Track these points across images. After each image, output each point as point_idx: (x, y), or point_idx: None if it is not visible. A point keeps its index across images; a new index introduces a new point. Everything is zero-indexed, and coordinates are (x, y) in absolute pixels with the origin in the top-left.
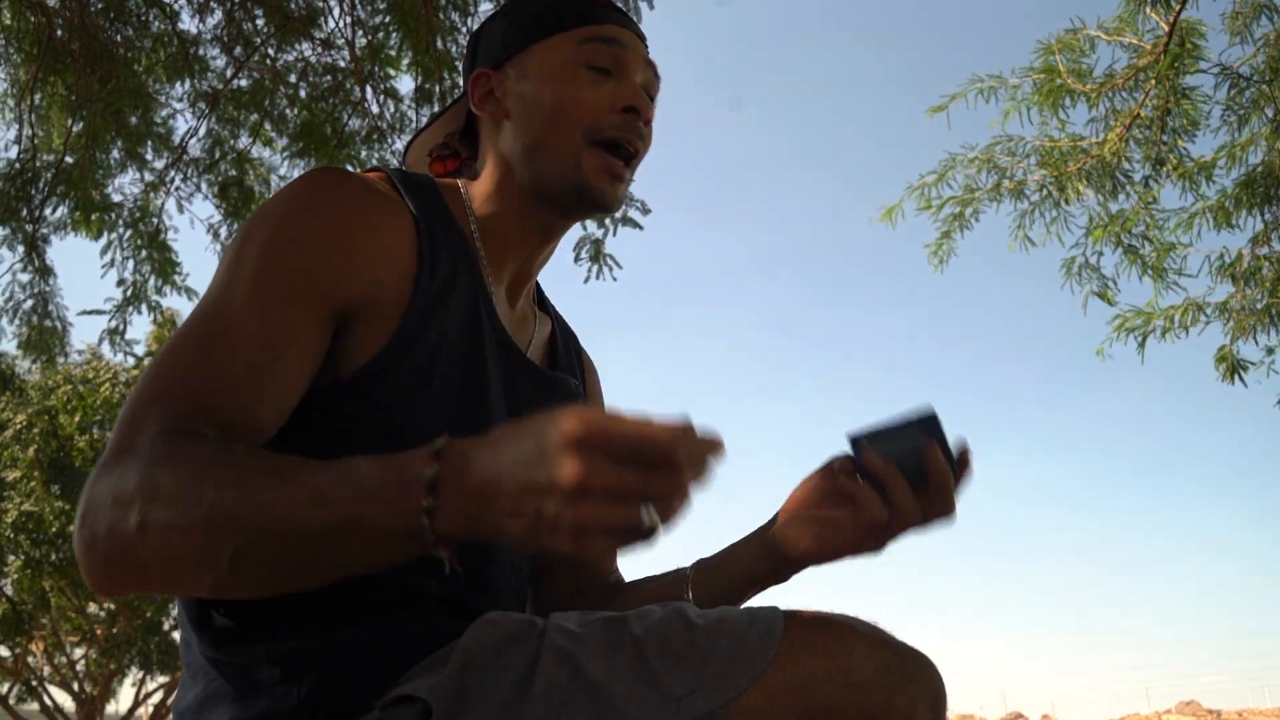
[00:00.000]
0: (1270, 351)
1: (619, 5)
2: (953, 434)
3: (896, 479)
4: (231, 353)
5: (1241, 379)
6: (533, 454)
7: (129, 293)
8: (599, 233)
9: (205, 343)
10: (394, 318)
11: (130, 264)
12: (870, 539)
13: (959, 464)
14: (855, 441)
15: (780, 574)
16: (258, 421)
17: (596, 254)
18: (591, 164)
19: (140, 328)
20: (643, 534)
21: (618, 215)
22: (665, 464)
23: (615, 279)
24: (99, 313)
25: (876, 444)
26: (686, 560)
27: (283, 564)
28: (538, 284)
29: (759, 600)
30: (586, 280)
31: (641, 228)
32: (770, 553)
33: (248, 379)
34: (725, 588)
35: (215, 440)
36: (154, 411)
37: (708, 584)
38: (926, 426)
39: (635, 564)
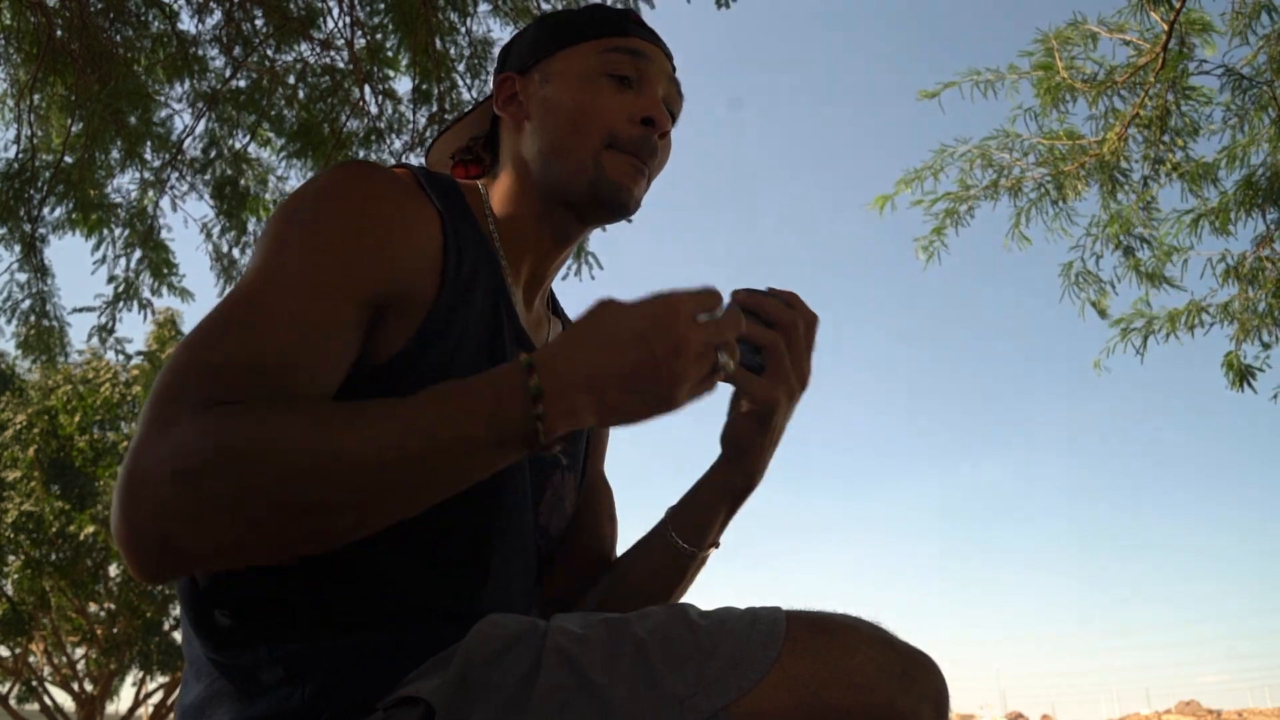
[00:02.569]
0: (1266, 347)
1: (643, 21)
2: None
3: (765, 300)
4: (273, 336)
5: (1251, 385)
6: (648, 332)
7: (119, 289)
8: None
9: (246, 324)
10: (421, 311)
11: (124, 262)
12: (777, 364)
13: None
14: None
15: (738, 466)
16: None
17: (578, 251)
18: (614, 163)
19: (134, 326)
20: (727, 372)
21: None
22: (721, 308)
23: (594, 278)
24: (89, 309)
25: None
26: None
27: (380, 498)
28: (550, 288)
29: (762, 601)
30: (565, 277)
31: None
32: (724, 453)
33: (288, 363)
34: (699, 511)
35: (274, 399)
36: (195, 386)
37: (683, 517)
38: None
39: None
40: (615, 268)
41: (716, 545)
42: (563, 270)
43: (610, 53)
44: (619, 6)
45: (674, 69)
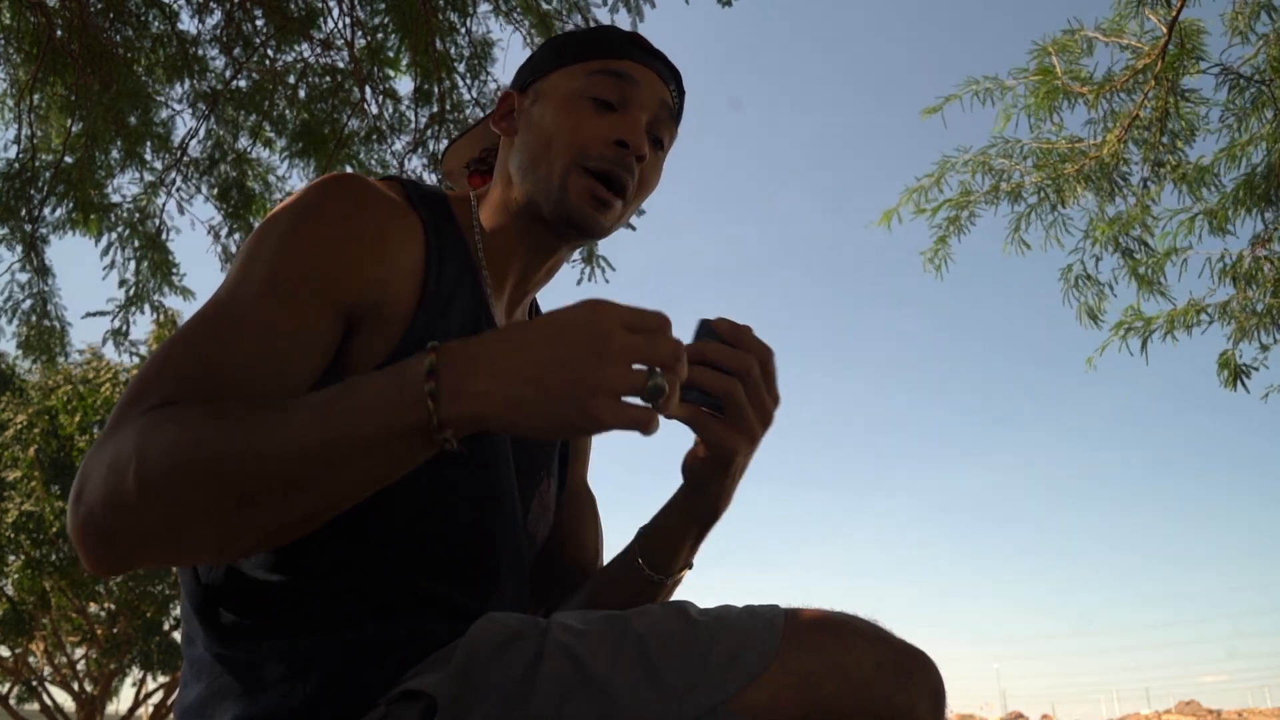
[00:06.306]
0: (1264, 348)
1: (647, 44)
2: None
3: (710, 346)
4: (235, 342)
5: (1244, 385)
6: (564, 328)
7: (131, 292)
8: None
9: (210, 332)
10: (400, 325)
11: (131, 265)
12: (736, 411)
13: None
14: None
15: (701, 498)
16: None
17: (590, 255)
18: (577, 186)
19: (142, 328)
20: (655, 393)
21: None
22: (665, 331)
23: (608, 281)
24: (102, 314)
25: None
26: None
27: (291, 494)
28: (535, 300)
29: (760, 599)
30: (580, 282)
31: (634, 228)
32: (685, 483)
33: (248, 369)
34: (666, 540)
35: (209, 402)
36: (152, 391)
37: (651, 546)
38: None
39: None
40: (624, 270)
41: (689, 567)
42: (574, 275)
43: (595, 75)
44: (623, 28)
45: (673, 92)
